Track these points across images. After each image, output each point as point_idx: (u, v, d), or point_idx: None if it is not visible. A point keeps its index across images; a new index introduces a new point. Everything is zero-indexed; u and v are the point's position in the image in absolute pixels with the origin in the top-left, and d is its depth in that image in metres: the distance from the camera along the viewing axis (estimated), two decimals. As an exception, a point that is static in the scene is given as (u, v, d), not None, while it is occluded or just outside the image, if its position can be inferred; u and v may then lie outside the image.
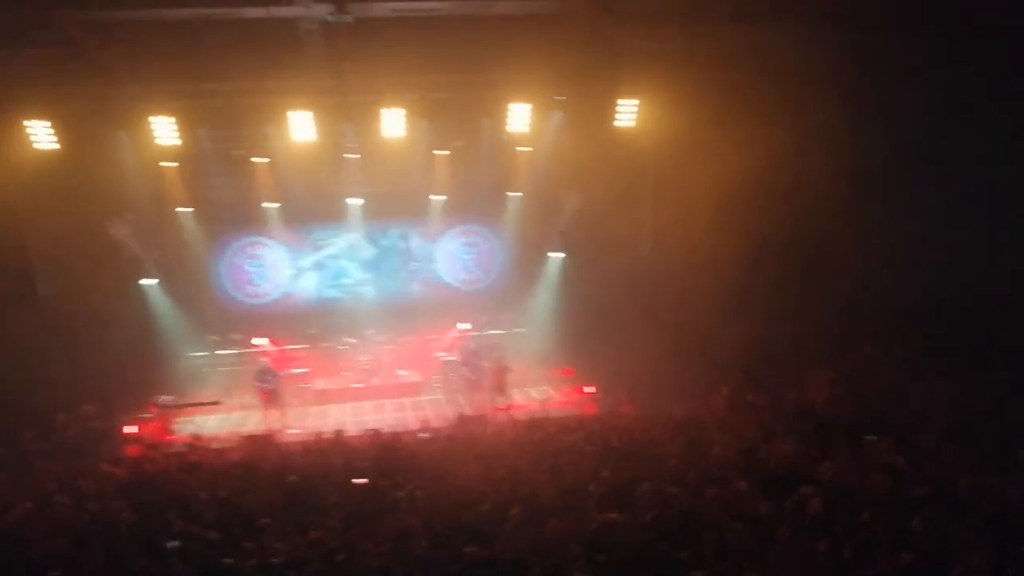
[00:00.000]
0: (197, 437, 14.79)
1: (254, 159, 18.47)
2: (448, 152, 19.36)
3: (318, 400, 19.81)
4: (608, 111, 16.63)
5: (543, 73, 15.77)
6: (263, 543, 8.11)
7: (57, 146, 15.14)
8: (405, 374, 20.81)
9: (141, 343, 18.83)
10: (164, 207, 19.53)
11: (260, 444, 14.88)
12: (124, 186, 17.63)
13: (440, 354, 20.89)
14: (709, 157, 16.06)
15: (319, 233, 22.10)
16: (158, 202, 19.23)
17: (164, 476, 11.76)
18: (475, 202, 21.74)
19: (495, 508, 8.78)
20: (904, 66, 15.26)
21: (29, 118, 14.84)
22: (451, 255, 22.88)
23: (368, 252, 22.34)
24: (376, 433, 13.83)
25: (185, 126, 15.83)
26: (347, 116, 16.59)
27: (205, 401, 18.87)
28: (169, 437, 16.85)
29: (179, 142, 15.88)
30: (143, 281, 19.62)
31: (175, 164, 18.07)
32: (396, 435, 14.00)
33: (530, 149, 19.20)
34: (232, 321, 21.32)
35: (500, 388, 17.92)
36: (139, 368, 18.12)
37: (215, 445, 14.85)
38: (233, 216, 20.82)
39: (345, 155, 18.69)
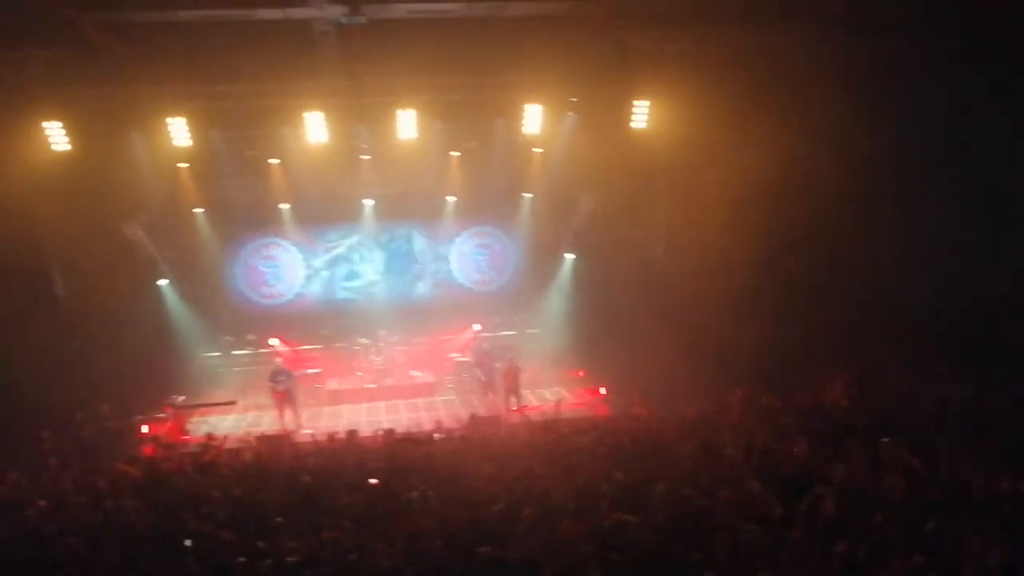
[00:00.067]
0: (211, 437, 14.83)
1: (269, 160, 18.55)
2: (461, 153, 19.39)
3: (331, 400, 19.87)
4: (620, 112, 16.64)
5: (556, 75, 15.77)
6: (277, 543, 8.14)
7: (69, 147, 15.23)
8: (418, 375, 20.84)
9: (156, 343, 18.95)
10: (178, 208, 19.63)
11: (274, 444, 14.92)
12: (139, 187, 17.72)
13: (453, 355, 20.92)
14: (721, 158, 16.04)
15: (332, 234, 22.17)
16: (172, 203, 19.33)
17: (179, 476, 11.80)
18: (488, 203, 21.77)
19: (508, 509, 8.78)
20: (914, 67, 15.22)
21: (45, 119, 14.94)
22: (464, 256, 22.92)
23: (376, 253, 22.37)
24: (389, 433, 13.85)
25: (199, 127, 15.91)
26: (361, 117, 16.63)
27: (219, 401, 18.94)
28: (183, 437, 16.91)
29: (193, 143, 15.95)
30: (160, 281, 19.73)
31: (189, 165, 18.15)
32: (409, 435, 14.02)
33: (542, 151, 19.20)
34: (246, 322, 21.43)
35: (513, 389, 17.91)
36: (154, 368, 18.23)
37: (229, 445, 14.89)
38: (247, 217, 20.93)
39: (359, 157, 18.75)
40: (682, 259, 18.48)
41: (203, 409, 18.60)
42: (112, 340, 17.07)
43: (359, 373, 20.81)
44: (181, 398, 18.23)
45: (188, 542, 8.28)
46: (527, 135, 17.00)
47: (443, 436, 14.65)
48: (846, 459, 9.60)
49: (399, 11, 13.09)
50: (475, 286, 23.02)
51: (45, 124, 14.99)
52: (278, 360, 19.20)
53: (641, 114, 16.55)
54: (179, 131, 15.66)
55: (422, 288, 22.78)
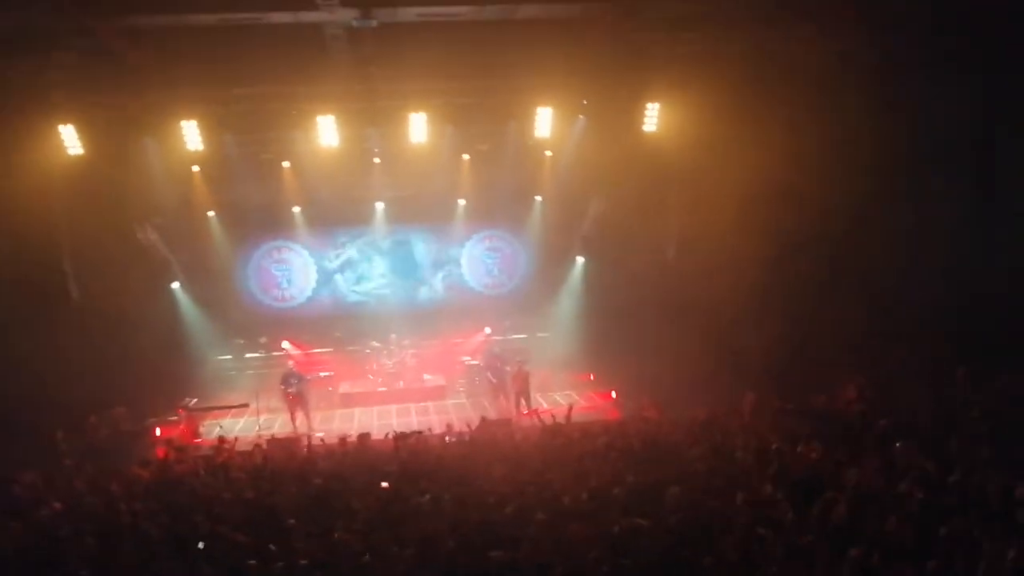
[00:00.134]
0: (223, 440, 14.87)
1: (281, 163, 18.62)
2: (472, 156, 19.42)
3: (343, 404, 19.93)
4: (631, 115, 16.65)
5: (567, 78, 15.78)
6: (289, 545, 8.15)
7: (83, 151, 15.31)
8: (429, 378, 20.86)
9: (169, 346, 19.06)
10: (191, 211, 19.73)
11: (286, 447, 14.95)
12: (152, 190, 17.85)
13: (464, 358, 20.93)
14: (732, 159, 16.02)
15: (343, 237, 22.23)
16: (185, 206, 19.45)
17: (191, 478, 11.84)
18: (499, 206, 21.82)
19: (520, 512, 8.77)
20: (925, 67, 15.18)
21: (60, 123, 15.03)
22: (475, 259, 22.95)
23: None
24: (401, 435, 13.86)
25: (211, 131, 15.99)
26: (372, 121, 16.69)
27: (232, 404, 19.01)
28: (196, 439, 16.98)
29: (205, 147, 16.02)
30: (173, 284, 19.82)
31: (202, 168, 18.23)
32: (421, 438, 14.04)
33: (552, 154, 19.20)
34: (258, 324, 21.52)
35: (522, 393, 17.91)
36: (167, 370, 18.33)
37: (241, 448, 14.93)
38: (259, 220, 21.03)
39: (371, 160, 18.80)
40: (693, 261, 18.45)
41: (216, 412, 18.66)
42: (125, 342, 17.19)
43: (370, 376, 20.85)
44: (194, 400, 18.31)
45: (201, 544, 8.29)
46: (538, 138, 17.02)
47: (454, 439, 14.66)
48: (859, 463, 9.55)
49: (410, 15, 13.10)
50: (486, 289, 23.04)
51: (60, 128, 15.09)
52: (290, 363, 19.27)
53: (652, 117, 16.55)
54: (192, 135, 15.75)
55: (425, 293, 22.76)
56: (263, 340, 21.31)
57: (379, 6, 12.58)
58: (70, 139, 15.20)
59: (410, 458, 12.15)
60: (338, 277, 22.45)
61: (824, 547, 7.27)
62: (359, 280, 22.57)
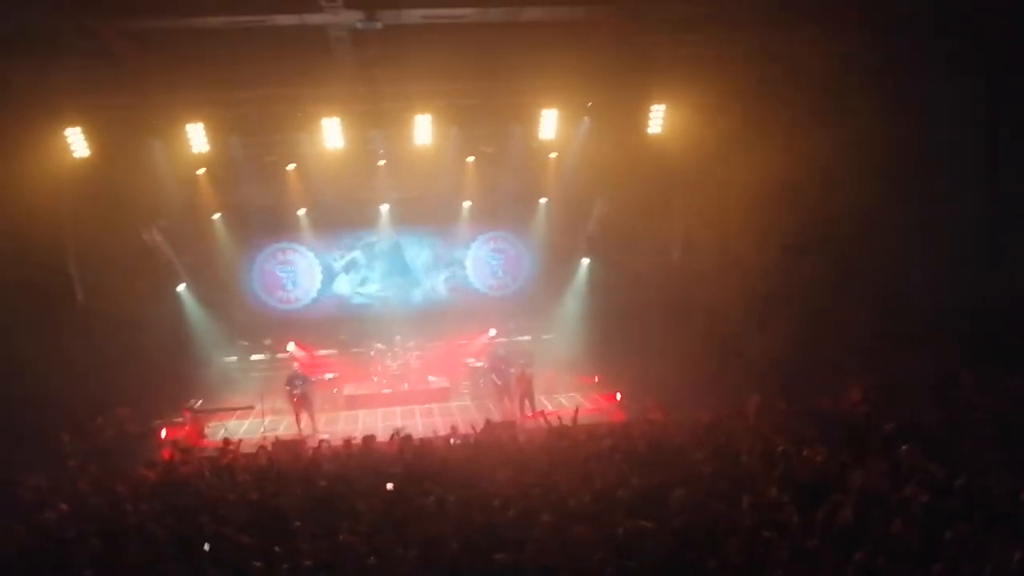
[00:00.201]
0: (228, 441, 14.89)
1: (286, 166, 18.64)
2: (477, 158, 19.42)
3: (348, 405, 19.94)
4: (635, 117, 16.65)
5: (571, 79, 15.77)
6: (294, 547, 8.16)
7: (89, 153, 15.34)
8: (434, 380, 20.86)
9: (174, 348, 19.08)
10: (197, 213, 19.76)
11: (291, 449, 14.96)
12: (157, 193, 17.88)
13: (469, 360, 20.93)
14: (737, 161, 16.01)
15: (348, 239, 22.25)
16: (191, 208, 19.47)
17: (197, 480, 11.85)
18: (504, 208, 21.81)
19: (524, 514, 8.77)
20: (932, 67, 15.16)
21: (66, 126, 15.06)
22: (480, 261, 22.95)
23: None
24: (406, 438, 13.87)
25: (217, 133, 16.01)
26: (377, 123, 16.71)
27: (237, 406, 19.03)
28: (201, 441, 17.00)
29: (211, 149, 16.05)
30: (178, 286, 19.85)
31: (207, 171, 18.25)
32: (426, 440, 14.05)
33: (557, 155, 19.20)
34: (263, 326, 21.55)
35: (526, 395, 17.90)
36: (172, 372, 18.35)
37: (246, 449, 14.94)
38: (265, 222, 21.06)
39: (376, 162, 18.82)
40: (698, 263, 18.45)
41: (221, 413, 18.70)
42: (131, 344, 17.22)
43: (375, 378, 20.86)
44: (199, 402, 18.33)
45: (206, 546, 8.30)
46: (543, 140, 17.01)
47: (459, 441, 14.66)
48: (865, 466, 9.53)
49: (414, 17, 13.11)
50: (490, 291, 23.04)
51: (66, 131, 15.11)
52: (295, 365, 19.28)
53: (657, 118, 16.54)
54: (197, 137, 15.77)
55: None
56: (268, 342, 21.35)
57: (383, 8, 12.59)
58: (76, 142, 15.23)
59: (415, 460, 12.15)
60: (343, 279, 22.46)
61: (829, 550, 7.26)
62: (363, 282, 22.58)
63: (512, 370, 18.70)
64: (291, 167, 18.76)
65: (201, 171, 18.24)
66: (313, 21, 12.88)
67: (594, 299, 21.21)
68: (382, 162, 19.06)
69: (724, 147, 16.30)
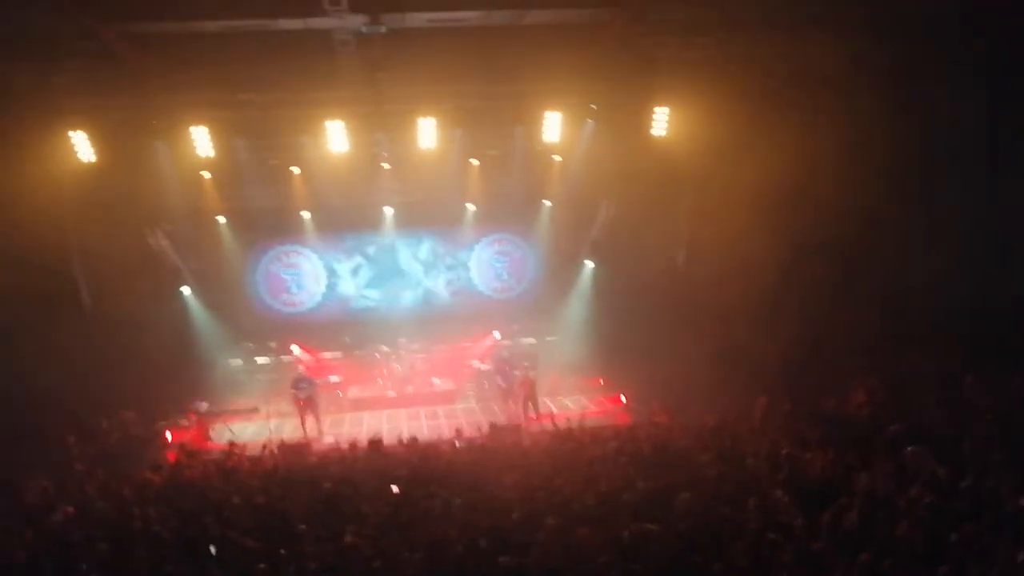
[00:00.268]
0: (234, 444, 14.92)
1: (290, 168, 18.66)
2: (481, 161, 19.44)
3: (353, 408, 19.94)
4: (640, 119, 16.62)
5: (575, 82, 15.77)
6: (300, 549, 8.17)
7: (94, 157, 15.38)
8: (439, 382, 20.86)
9: (179, 351, 19.11)
10: (201, 216, 19.79)
11: (296, 451, 14.99)
12: (162, 196, 17.87)
13: (473, 362, 20.93)
14: (741, 163, 15.98)
15: (352, 242, 22.27)
16: (195, 212, 19.49)
17: (202, 482, 11.88)
18: (508, 211, 21.79)
19: (530, 517, 8.78)
20: (937, 70, 15.14)
21: (71, 129, 15.09)
22: (484, 263, 22.94)
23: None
24: (414, 440, 13.89)
25: (221, 136, 16.02)
26: (381, 125, 16.71)
27: (242, 408, 19.05)
28: (207, 444, 17.02)
29: (215, 152, 16.06)
30: (183, 289, 19.89)
31: (212, 174, 18.28)
32: (432, 443, 14.07)
33: (561, 158, 19.20)
34: (268, 329, 21.55)
35: (529, 399, 17.90)
36: (177, 375, 18.37)
37: (251, 452, 14.97)
38: (269, 225, 21.06)
39: (379, 165, 18.84)
40: (703, 265, 18.44)
41: (226, 416, 18.71)
42: (136, 347, 17.25)
43: (380, 381, 20.86)
44: (204, 405, 18.34)
45: (212, 549, 8.32)
46: (547, 142, 17.00)
47: (463, 444, 14.68)
48: (870, 468, 9.53)
49: (418, 20, 13.12)
50: (494, 294, 23.04)
51: (71, 134, 15.14)
52: (300, 367, 19.29)
53: (661, 121, 16.53)
54: (202, 140, 15.77)
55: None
56: (273, 345, 21.35)
57: (387, 11, 12.60)
58: (80, 145, 15.25)
59: (420, 463, 12.17)
60: (347, 282, 22.48)
61: (835, 553, 7.26)
62: (367, 285, 22.61)
63: (517, 372, 18.69)
64: (295, 170, 18.78)
65: (205, 174, 18.25)
66: (317, 25, 12.90)
67: (598, 301, 21.20)
68: (386, 165, 19.06)
69: (728, 149, 16.27)
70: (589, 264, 21.55)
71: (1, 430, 14.59)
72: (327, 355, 21.33)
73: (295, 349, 20.97)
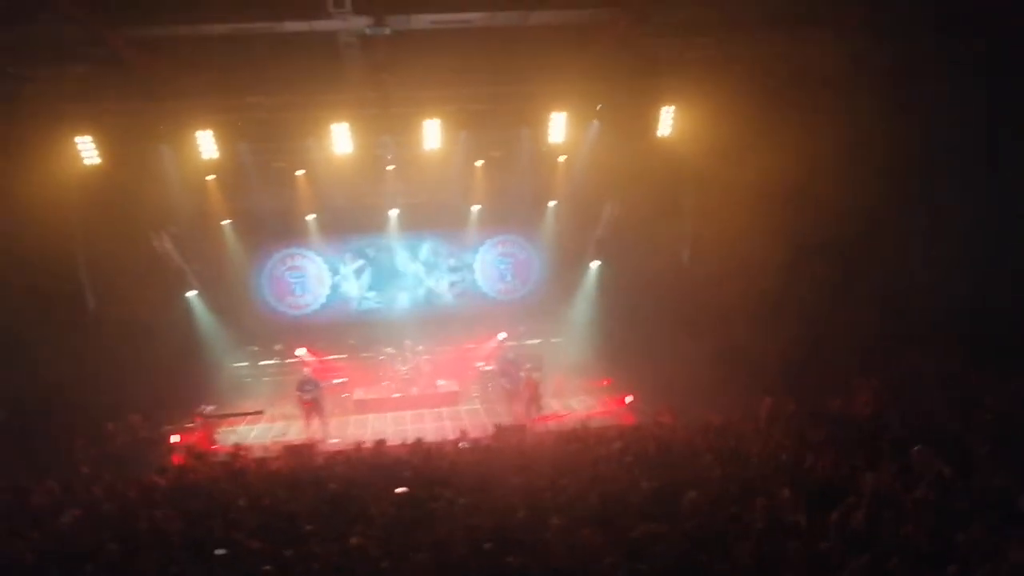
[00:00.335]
0: (240, 446, 14.94)
1: (295, 171, 18.70)
2: (486, 162, 19.46)
3: (358, 410, 19.94)
4: (645, 119, 16.66)
5: (580, 83, 15.79)
6: (306, 550, 8.18)
7: (99, 161, 15.42)
8: (444, 384, 20.87)
9: (185, 354, 19.13)
10: (206, 220, 19.83)
11: (302, 453, 15.01)
12: (167, 200, 17.92)
13: (478, 364, 20.94)
14: (746, 163, 15.98)
15: (357, 244, 22.30)
16: (200, 215, 19.53)
17: (208, 485, 11.90)
18: (513, 212, 21.82)
19: (535, 517, 8.79)
20: (938, 69, 15.13)
21: (77, 133, 15.13)
22: (489, 265, 22.95)
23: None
24: (419, 442, 13.91)
25: (226, 139, 16.07)
26: (386, 128, 16.74)
27: (248, 411, 19.08)
28: (213, 447, 17.04)
29: (220, 155, 16.11)
30: (188, 292, 19.93)
31: (217, 177, 18.32)
32: (437, 444, 14.08)
33: (566, 159, 19.21)
34: (273, 332, 21.58)
35: (532, 401, 17.90)
36: (183, 378, 18.40)
37: (257, 454, 15.00)
38: (274, 228, 21.09)
39: (384, 167, 18.87)
40: (708, 265, 18.43)
41: (231, 418, 18.75)
42: (141, 350, 17.28)
43: (385, 383, 20.87)
44: (210, 407, 18.38)
45: (220, 551, 8.33)
46: (552, 143, 17.02)
47: (469, 445, 14.68)
48: (876, 468, 9.51)
49: (423, 22, 13.14)
50: (500, 295, 23.06)
51: (77, 138, 15.19)
52: (306, 370, 19.32)
53: (666, 121, 16.55)
54: (207, 144, 15.83)
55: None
56: (278, 347, 21.39)
57: (392, 13, 12.62)
58: (86, 149, 15.30)
59: (425, 464, 12.18)
60: (351, 284, 22.51)
61: (842, 552, 7.24)
62: (371, 287, 22.64)
63: (522, 374, 18.70)
64: (300, 173, 18.82)
65: (211, 177, 18.31)
66: (322, 27, 12.91)
67: (604, 302, 21.20)
68: (391, 167, 19.10)
69: (733, 149, 16.28)
70: (594, 264, 21.54)
71: (8, 433, 14.67)
72: (332, 357, 21.35)
73: (300, 351, 20.99)
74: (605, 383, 20.09)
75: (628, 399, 18.35)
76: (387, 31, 12.88)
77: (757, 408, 14.22)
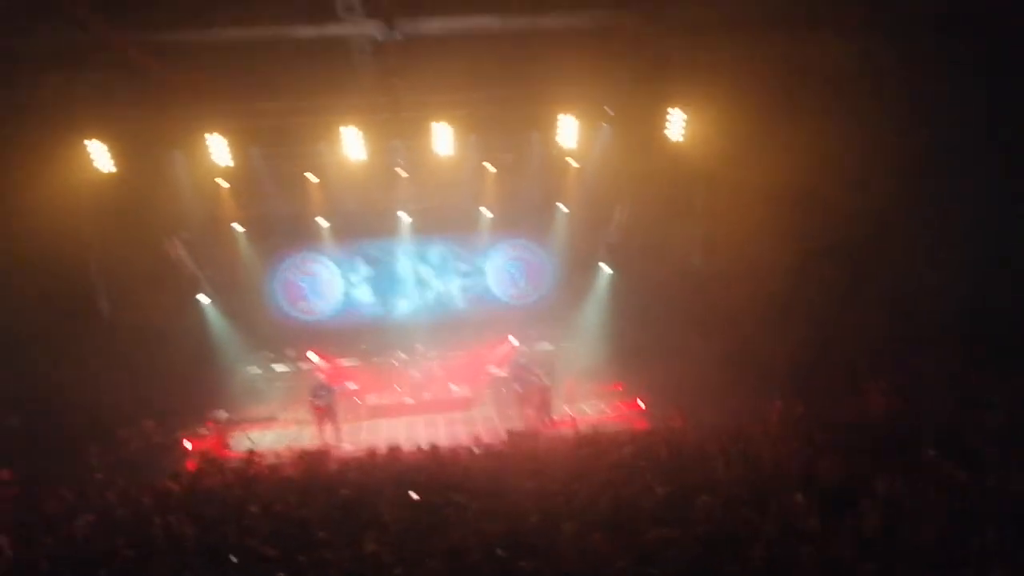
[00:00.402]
0: (253, 452, 14.95)
1: (307, 176, 18.75)
2: (497, 166, 19.46)
3: (370, 415, 19.94)
4: (656, 122, 16.65)
5: (590, 86, 15.80)
6: (319, 557, 8.17)
7: (114, 168, 15.49)
8: (456, 389, 20.86)
9: (198, 359, 19.19)
10: (218, 225, 19.90)
11: (315, 459, 15.00)
12: (180, 205, 18.00)
13: (491, 369, 20.92)
14: (757, 165, 15.95)
15: (369, 248, 22.33)
16: (213, 220, 19.60)
17: (222, 491, 11.91)
18: (524, 216, 21.81)
19: (548, 522, 8.77)
20: (947, 69, 15.06)
21: (89, 139, 15.21)
22: (500, 269, 22.94)
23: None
24: (432, 447, 13.89)
25: (238, 145, 16.13)
26: (397, 132, 16.78)
27: (260, 416, 19.10)
28: (225, 452, 17.07)
29: (232, 161, 16.17)
30: (200, 298, 19.99)
31: (229, 182, 18.39)
32: (449, 449, 14.06)
33: (577, 162, 19.20)
34: (286, 337, 21.61)
35: (544, 406, 17.87)
36: (196, 383, 18.45)
37: (270, 460, 15.01)
38: (286, 233, 21.15)
39: (396, 170, 18.91)
40: (720, 268, 18.38)
41: (244, 424, 18.78)
42: (155, 356, 17.35)
43: (397, 388, 20.88)
44: (223, 413, 18.41)
45: (234, 557, 8.33)
46: (562, 147, 17.02)
47: (482, 451, 14.65)
48: (888, 472, 9.45)
49: (434, 27, 13.15)
50: (511, 299, 23.03)
51: (89, 145, 15.27)
52: (319, 375, 19.32)
53: (676, 124, 16.53)
54: (219, 149, 15.90)
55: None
56: (290, 352, 21.42)
57: (403, 18, 12.65)
58: (99, 155, 15.38)
59: (438, 469, 12.16)
60: (362, 288, 22.53)
61: (855, 557, 7.20)
62: (381, 291, 22.66)
63: (534, 378, 18.68)
64: (312, 177, 18.86)
65: (222, 182, 18.37)
66: (333, 32, 12.95)
67: (615, 306, 21.15)
68: (402, 172, 19.12)
69: (742, 151, 16.25)
70: (605, 268, 21.51)
71: (22, 439, 14.73)
72: (345, 362, 21.37)
73: (313, 357, 21.02)
74: (617, 387, 20.03)
75: (640, 404, 18.29)
76: (397, 36, 12.92)
77: (767, 411, 14.17)
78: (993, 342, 14.69)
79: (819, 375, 15.31)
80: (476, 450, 14.73)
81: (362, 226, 21.49)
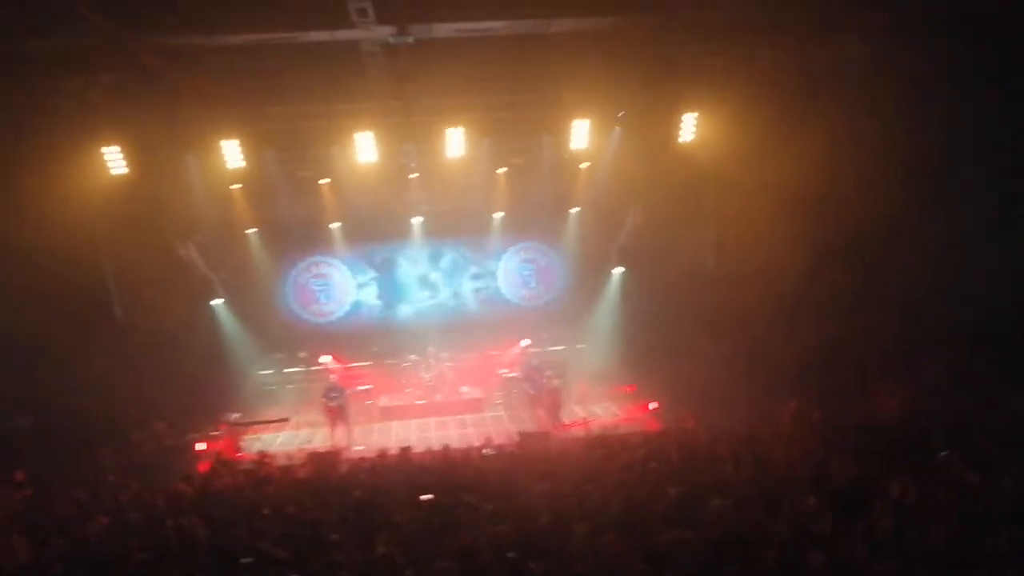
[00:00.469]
0: (265, 454, 15.00)
1: (320, 180, 18.80)
2: (509, 169, 19.48)
3: (382, 417, 19.99)
4: (668, 125, 16.65)
5: (602, 89, 15.79)
6: (331, 559, 8.19)
7: (126, 170, 15.56)
8: (467, 391, 20.88)
9: (211, 362, 19.27)
10: (232, 228, 19.98)
11: (327, 461, 15.04)
12: (193, 208, 18.08)
13: (502, 370, 20.93)
14: (768, 168, 15.94)
15: (381, 251, 22.39)
16: (226, 224, 19.68)
17: (234, 493, 11.95)
18: (536, 219, 21.83)
19: (560, 524, 8.77)
20: (959, 73, 15.01)
21: (103, 144, 15.29)
22: (512, 272, 22.97)
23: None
24: (444, 448, 13.92)
25: (252, 149, 16.18)
26: (409, 136, 16.82)
27: (272, 418, 19.16)
28: (238, 454, 17.14)
29: (246, 164, 16.23)
30: (214, 301, 20.07)
31: (242, 186, 18.46)
32: (461, 451, 14.08)
33: (589, 165, 19.21)
34: (298, 339, 21.69)
35: (554, 408, 17.87)
36: (209, 386, 18.52)
37: (282, 462, 15.05)
38: (299, 236, 21.23)
39: (408, 175, 18.95)
40: (732, 270, 18.36)
41: (257, 426, 18.83)
42: (168, 359, 17.43)
43: (409, 389, 20.91)
44: (235, 415, 18.48)
45: (246, 559, 8.36)
46: (574, 150, 17.03)
47: (493, 452, 14.67)
48: (901, 474, 9.42)
49: (446, 30, 13.19)
50: (523, 301, 23.07)
51: (104, 148, 15.35)
52: (332, 377, 19.38)
53: (688, 126, 16.52)
54: (232, 153, 15.95)
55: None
56: (303, 355, 21.48)
57: (415, 22, 12.68)
58: (113, 159, 15.46)
59: (450, 471, 12.18)
60: (374, 291, 22.61)
61: (867, 559, 7.18)
62: (392, 294, 22.72)
63: (544, 380, 18.69)
64: (325, 181, 18.92)
65: (236, 186, 18.44)
66: (346, 37, 12.99)
67: (627, 308, 21.14)
68: (415, 175, 19.17)
69: (754, 154, 16.24)
70: (617, 271, 21.50)
71: (36, 441, 14.82)
72: (357, 364, 21.42)
73: (325, 359, 21.08)
74: (629, 389, 20.01)
75: (652, 405, 18.28)
76: (410, 40, 12.95)
77: (779, 412, 14.15)
78: (1005, 344, 14.62)
79: (829, 376, 15.28)
80: (488, 451, 14.75)
81: (374, 229, 21.56)
